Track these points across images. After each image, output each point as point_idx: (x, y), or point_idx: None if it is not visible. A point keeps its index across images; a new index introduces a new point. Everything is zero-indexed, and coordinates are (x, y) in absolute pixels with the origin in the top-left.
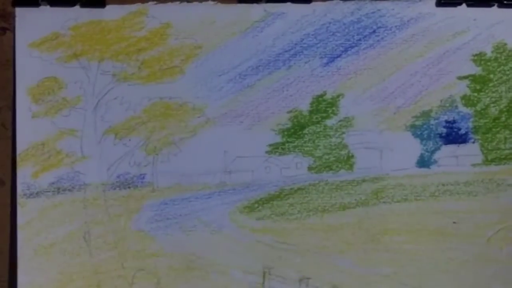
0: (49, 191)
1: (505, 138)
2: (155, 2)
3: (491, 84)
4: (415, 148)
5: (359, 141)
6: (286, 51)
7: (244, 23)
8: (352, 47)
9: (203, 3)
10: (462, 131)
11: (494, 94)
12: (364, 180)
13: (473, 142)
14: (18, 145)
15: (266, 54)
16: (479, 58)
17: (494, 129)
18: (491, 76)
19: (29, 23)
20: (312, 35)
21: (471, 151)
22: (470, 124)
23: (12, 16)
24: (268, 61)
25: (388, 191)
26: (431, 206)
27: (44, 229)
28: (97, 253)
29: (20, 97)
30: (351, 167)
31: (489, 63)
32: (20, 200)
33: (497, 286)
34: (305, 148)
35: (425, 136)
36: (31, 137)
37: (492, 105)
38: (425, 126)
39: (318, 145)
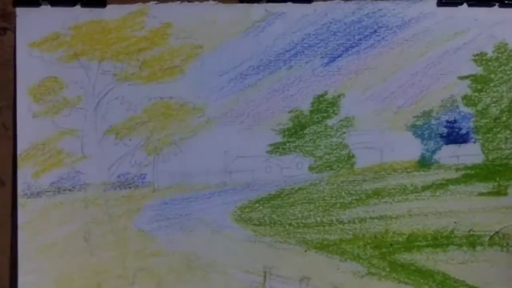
0: (49, 191)
1: (506, 138)
2: (155, 2)
3: (492, 84)
4: (416, 148)
5: (359, 141)
6: (287, 51)
7: (245, 23)
8: (353, 46)
9: (204, 2)
10: (463, 131)
11: (495, 94)
12: (364, 180)
13: (474, 142)
14: (18, 145)
15: (267, 54)
16: (480, 58)
17: (495, 129)
18: (492, 76)
19: (29, 23)
20: (313, 35)
21: (472, 151)
22: (471, 124)
23: (13, 16)
24: (269, 61)
25: (388, 191)
26: (432, 206)
27: (44, 229)
28: (98, 253)
29: (20, 97)
30: (351, 167)
31: (490, 63)
32: (20, 200)
33: (498, 287)
34: (306, 148)
35: (426, 136)
36: (31, 137)
37: (493, 105)
38: (426, 126)
39: (319, 145)
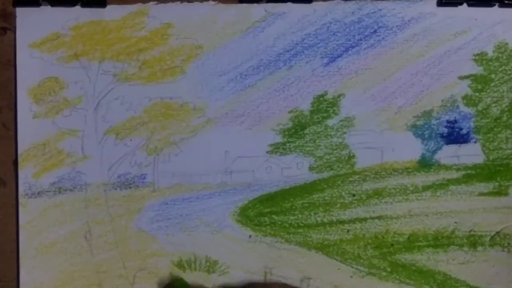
0: (50, 191)
1: (507, 138)
2: (156, 2)
3: (492, 84)
4: (416, 148)
5: (360, 141)
6: (287, 51)
7: (245, 23)
8: (353, 47)
9: (204, 3)
10: (464, 131)
11: (495, 94)
12: (365, 180)
13: (475, 142)
14: (19, 145)
15: (267, 54)
16: (480, 58)
17: (495, 129)
18: (493, 76)
19: (29, 23)
20: (313, 35)
21: (472, 151)
22: (472, 124)
23: (13, 16)
24: (269, 61)
25: (389, 191)
26: (433, 206)
27: (45, 229)
28: (98, 252)
29: (21, 98)
30: (352, 167)
31: (490, 63)
32: (21, 200)
33: (499, 287)
34: (306, 148)
35: (427, 136)
36: (32, 137)
37: (493, 104)
38: (426, 126)
39: (319, 145)
